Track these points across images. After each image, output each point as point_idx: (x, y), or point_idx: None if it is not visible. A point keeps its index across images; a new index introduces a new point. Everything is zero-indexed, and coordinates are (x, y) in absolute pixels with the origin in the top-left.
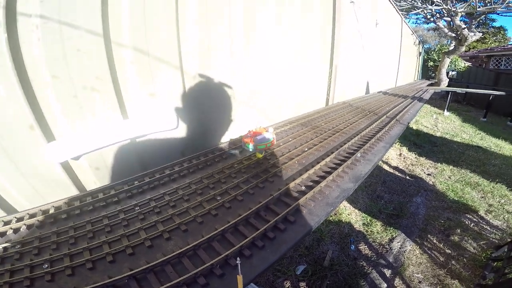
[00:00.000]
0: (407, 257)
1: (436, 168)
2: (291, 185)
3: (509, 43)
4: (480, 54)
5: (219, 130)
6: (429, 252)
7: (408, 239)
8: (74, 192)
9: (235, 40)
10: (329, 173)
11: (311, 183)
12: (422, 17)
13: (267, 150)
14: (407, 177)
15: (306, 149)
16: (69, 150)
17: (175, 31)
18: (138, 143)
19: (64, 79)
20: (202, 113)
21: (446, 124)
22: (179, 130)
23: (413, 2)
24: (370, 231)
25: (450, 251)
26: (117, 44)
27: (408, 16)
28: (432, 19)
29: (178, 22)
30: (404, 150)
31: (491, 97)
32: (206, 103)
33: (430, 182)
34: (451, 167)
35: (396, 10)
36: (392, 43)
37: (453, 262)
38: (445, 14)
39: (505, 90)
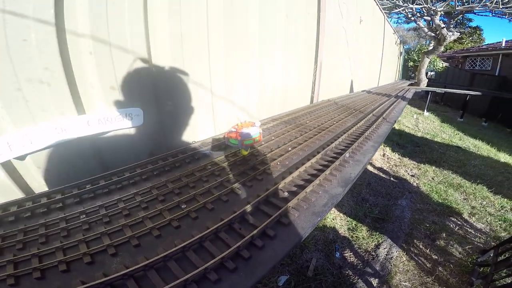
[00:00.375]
0: (394, 264)
1: (420, 169)
2: (272, 191)
3: (484, 44)
4: (456, 55)
5: (194, 127)
6: (415, 258)
7: (394, 244)
8: (19, 196)
9: (212, 30)
10: (316, 176)
11: (295, 188)
12: (403, 16)
13: (253, 146)
14: (392, 179)
15: (290, 149)
16: (12, 148)
17: (142, 19)
18: (98, 142)
19: (4, 71)
20: (175, 109)
21: (426, 124)
22: (147, 127)
23: (395, 1)
24: (356, 236)
25: (436, 257)
26: (72, 33)
27: (390, 15)
28: (412, 18)
29: (146, 8)
30: (388, 150)
31: (468, 97)
32: (179, 98)
33: (414, 184)
34: (433, 168)
35: (380, 8)
36: (375, 42)
37: (440, 268)
38: (425, 13)
39: (480, 90)
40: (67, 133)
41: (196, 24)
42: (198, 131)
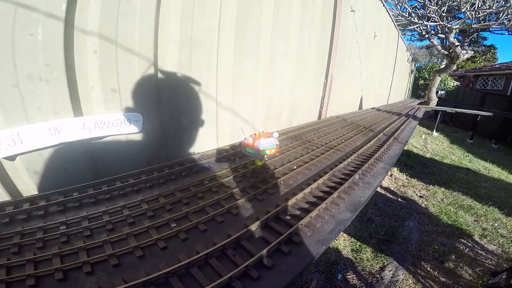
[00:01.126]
0: (399, 287)
1: (428, 190)
2: (273, 214)
3: (497, 63)
4: (468, 74)
5: (196, 138)
6: (423, 281)
7: (401, 267)
8: (5, 198)
9: (223, 37)
10: (322, 199)
11: (299, 212)
12: (417, 34)
13: (269, 156)
14: (399, 199)
15: (295, 167)
16: (1, 147)
17: (153, 19)
18: (93, 147)
19: (5, 65)
20: (177, 117)
21: (435, 145)
22: (146, 135)
23: (410, 18)
24: (360, 258)
25: (445, 279)
26: (80, 30)
27: (404, 33)
28: (426, 36)
29: (159, 8)
30: (395, 170)
31: (478, 118)
32: (182, 106)
33: (423, 205)
34: (443, 189)
35: (394, 25)
36: (387, 58)
37: None
38: (440, 31)
39: (491, 110)
40: (61, 135)
41: (207, 30)
42: (200, 142)
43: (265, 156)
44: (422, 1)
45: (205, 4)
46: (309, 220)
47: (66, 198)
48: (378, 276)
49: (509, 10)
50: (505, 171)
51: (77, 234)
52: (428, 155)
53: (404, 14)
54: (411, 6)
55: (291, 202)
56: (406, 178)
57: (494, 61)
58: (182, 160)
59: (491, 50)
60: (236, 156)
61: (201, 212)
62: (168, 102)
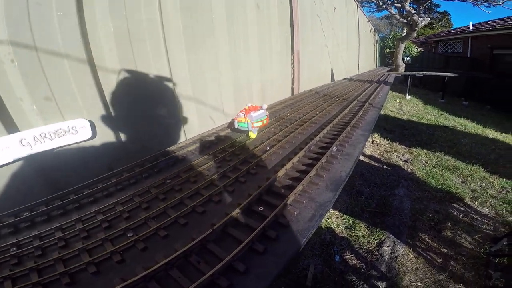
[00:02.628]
0: (401, 263)
1: (411, 153)
2: (243, 206)
3: (453, 28)
4: (429, 40)
5: (160, 134)
6: (424, 254)
7: (398, 241)
8: None
9: (168, 26)
10: (298, 180)
11: (274, 200)
12: (375, 5)
13: (262, 128)
14: (385, 166)
15: (268, 148)
16: None
17: (75, 17)
18: (42, 162)
19: None
20: (133, 116)
21: (410, 107)
22: (101, 140)
23: None
24: (355, 235)
25: (446, 250)
26: None
27: (362, 5)
28: (384, 6)
29: (81, 4)
30: (376, 136)
31: (446, 79)
32: (136, 103)
33: (409, 170)
34: (425, 150)
35: None
36: (351, 30)
37: (452, 262)
38: (395, 1)
39: (456, 71)
40: None
41: (146, 20)
42: (165, 138)
43: (258, 127)
44: None
45: None
46: (285, 208)
47: (16, 219)
48: (377, 253)
49: None
50: (480, 125)
51: (29, 254)
52: (405, 117)
53: None
54: None
55: (263, 189)
56: (388, 143)
57: (450, 26)
58: (142, 160)
59: (445, 16)
60: (194, 152)
61: (162, 216)
62: (118, 102)
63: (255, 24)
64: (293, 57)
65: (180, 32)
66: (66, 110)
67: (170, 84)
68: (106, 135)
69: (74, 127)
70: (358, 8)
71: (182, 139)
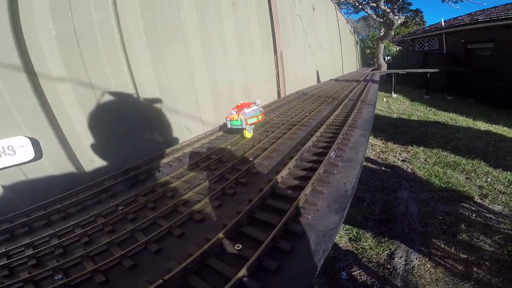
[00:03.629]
0: (418, 275)
1: (408, 151)
2: (219, 240)
3: (426, 25)
4: (405, 38)
5: (122, 149)
6: (442, 262)
7: (411, 250)
8: None
9: (126, 26)
10: (290, 201)
11: (255, 232)
12: (351, 6)
13: (257, 124)
14: (383, 168)
15: (251, 159)
16: None
17: (6, 18)
18: None
19: None
20: (92, 130)
21: (398, 105)
22: (49, 160)
23: None
24: (361, 248)
25: (466, 256)
26: None
27: (340, 6)
28: (360, 6)
29: (16, 4)
30: (370, 136)
31: (428, 75)
32: (94, 115)
33: (409, 170)
34: (422, 148)
35: None
36: (331, 30)
37: (475, 269)
38: (370, 0)
39: (436, 67)
40: None
41: (98, 21)
42: (126, 154)
43: (253, 124)
44: None
45: None
46: (272, 245)
47: None
48: (389, 266)
49: None
50: (470, 118)
51: None
52: (395, 116)
53: None
54: None
55: (240, 218)
56: (383, 143)
57: (424, 24)
58: (98, 181)
59: (418, 14)
60: (161, 170)
61: (104, 254)
62: (68, 114)
63: (232, 23)
64: (276, 58)
65: (141, 33)
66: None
67: (132, 92)
68: (55, 154)
69: (11, 147)
70: (336, 9)
71: (153, 152)
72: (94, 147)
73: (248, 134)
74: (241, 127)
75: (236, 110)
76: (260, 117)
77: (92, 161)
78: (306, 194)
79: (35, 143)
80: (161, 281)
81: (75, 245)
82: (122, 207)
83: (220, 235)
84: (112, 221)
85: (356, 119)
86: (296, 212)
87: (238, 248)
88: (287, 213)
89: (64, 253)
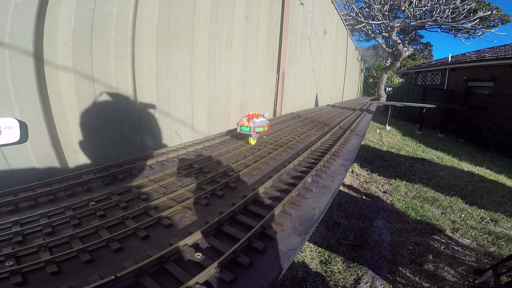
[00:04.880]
0: None
1: (391, 184)
2: (181, 246)
3: (433, 59)
4: (410, 71)
5: (108, 146)
6: None
7: (377, 276)
8: None
9: (141, 23)
10: (258, 218)
11: (219, 244)
12: (364, 34)
13: (262, 133)
14: (363, 197)
15: (232, 173)
16: None
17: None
18: None
19: None
20: (82, 121)
21: (389, 138)
22: (33, 145)
23: (357, 17)
24: (330, 271)
25: (428, 285)
26: None
27: (352, 33)
28: (372, 35)
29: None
30: (356, 166)
31: (424, 110)
32: (87, 107)
33: (388, 201)
34: (404, 182)
35: (343, 23)
36: (338, 56)
37: None
38: (383, 30)
39: (433, 103)
40: None
41: (116, 16)
42: (112, 150)
43: (259, 133)
44: (368, 1)
45: None
46: (231, 258)
47: None
48: None
49: (441, 7)
50: (456, 158)
51: None
52: (384, 148)
53: (351, 14)
54: (358, 7)
55: (205, 228)
56: (368, 174)
57: (431, 57)
58: (75, 174)
59: (428, 47)
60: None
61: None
62: (62, 103)
63: (241, 36)
64: (278, 76)
65: (153, 33)
66: None
67: (130, 90)
68: (41, 141)
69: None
70: (348, 35)
71: (140, 151)
72: (80, 139)
73: (253, 141)
74: (249, 133)
75: (247, 118)
76: (266, 128)
77: (75, 152)
78: (275, 214)
79: (23, 126)
80: (113, 277)
81: (37, 234)
82: (94, 202)
83: (183, 242)
84: (80, 215)
85: (341, 148)
86: (261, 230)
87: (198, 256)
88: (252, 230)
89: (23, 241)
